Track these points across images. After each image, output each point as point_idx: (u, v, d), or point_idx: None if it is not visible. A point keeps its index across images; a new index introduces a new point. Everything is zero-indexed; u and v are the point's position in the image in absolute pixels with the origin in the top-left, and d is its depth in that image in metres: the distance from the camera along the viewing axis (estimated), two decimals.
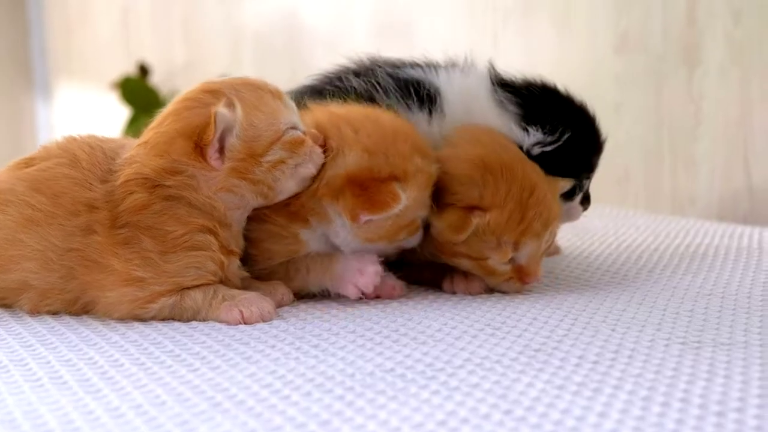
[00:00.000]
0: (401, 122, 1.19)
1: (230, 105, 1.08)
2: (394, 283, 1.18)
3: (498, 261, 1.16)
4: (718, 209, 1.91)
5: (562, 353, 0.89)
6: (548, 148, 1.22)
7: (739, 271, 1.25)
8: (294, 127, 1.12)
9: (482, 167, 1.16)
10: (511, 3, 2.34)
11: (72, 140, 1.17)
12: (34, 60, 4.73)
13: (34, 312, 1.14)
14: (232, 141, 1.08)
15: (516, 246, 1.15)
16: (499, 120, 1.23)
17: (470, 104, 1.23)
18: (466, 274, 1.20)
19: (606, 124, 2.09)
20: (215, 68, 3.40)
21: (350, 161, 1.13)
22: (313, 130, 1.14)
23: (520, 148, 1.21)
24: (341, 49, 3.01)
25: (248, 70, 3.27)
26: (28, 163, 1.16)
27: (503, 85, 1.26)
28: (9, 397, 0.83)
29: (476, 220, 1.14)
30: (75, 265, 1.09)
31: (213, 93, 1.10)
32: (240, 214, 1.12)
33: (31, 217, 1.10)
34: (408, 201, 1.12)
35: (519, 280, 1.17)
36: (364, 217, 1.11)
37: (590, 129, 1.30)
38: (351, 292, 1.14)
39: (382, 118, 1.18)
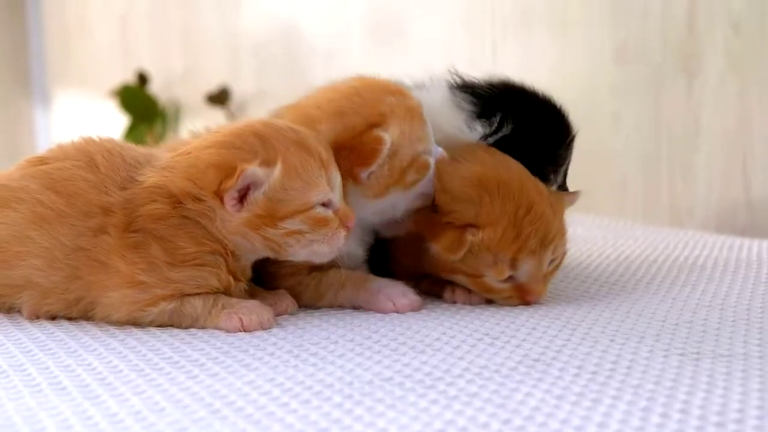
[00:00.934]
0: (360, 80, 1.20)
1: (270, 163, 1.06)
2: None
3: (494, 278, 1.16)
4: (717, 220, 1.91)
5: (560, 363, 0.89)
6: (490, 140, 1.23)
7: (738, 283, 1.25)
8: (326, 204, 1.09)
9: (478, 185, 1.16)
10: (509, 12, 2.35)
11: (90, 142, 1.17)
12: (33, 68, 4.74)
13: (33, 313, 1.14)
14: (257, 195, 1.06)
15: (513, 264, 1.15)
16: (454, 121, 1.24)
17: (431, 116, 1.22)
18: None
19: (604, 134, 2.10)
20: (214, 77, 3.41)
21: (327, 133, 1.14)
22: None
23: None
24: (339, 59, 3.03)
25: (247, 79, 3.28)
26: (42, 161, 1.16)
27: (463, 88, 1.27)
28: (8, 402, 0.83)
29: (470, 237, 1.14)
30: (81, 264, 1.09)
31: (263, 142, 1.07)
32: (250, 255, 1.12)
33: (42, 215, 1.11)
34: (394, 137, 1.14)
35: (519, 299, 1.17)
36: (363, 173, 1.13)
37: (551, 122, 1.28)
38: (387, 307, 1.15)
39: (339, 85, 1.20)
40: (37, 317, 1.15)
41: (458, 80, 1.28)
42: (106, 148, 1.15)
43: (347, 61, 2.80)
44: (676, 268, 1.38)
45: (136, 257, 1.07)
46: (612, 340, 0.97)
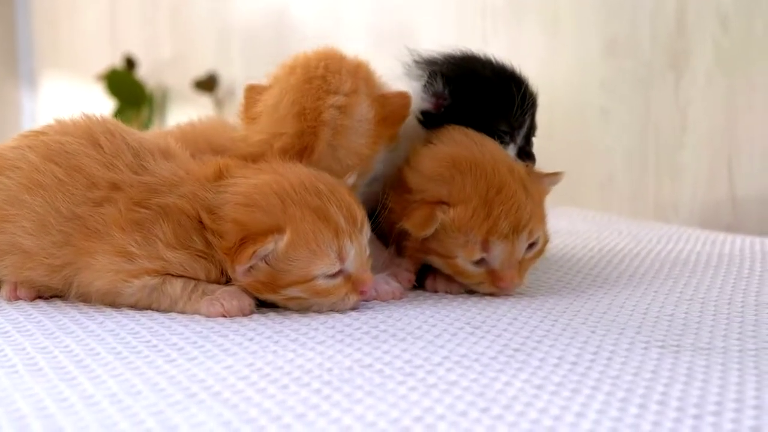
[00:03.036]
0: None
1: (282, 231, 1.04)
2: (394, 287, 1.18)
3: (465, 259, 1.15)
4: (701, 217, 1.91)
5: (541, 353, 0.89)
6: (445, 104, 1.25)
7: (720, 278, 1.25)
8: (334, 275, 1.07)
9: (451, 164, 1.16)
10: (500, 6, 2.35)
11: (89, 120, 1.17)
12: (20, 51, 4.71)
13: (13, 289, 1.15)
14: (260, 264, 1.05)
15: (485, 246, 1.14)
16: (411, 92, 1.24)
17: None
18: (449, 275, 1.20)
19: (592, 129, 2.10)
20: (202, 63, 3.40)
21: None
22: None
23: (427, 112, 1.25)
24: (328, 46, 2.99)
25: (236, 65, 3.27)
26: (39, 135, 1.16)
27: (419, 63, 1.29)
28: None
29: (441, 215, 1.14)
30: (74, 232, 1.08)
31: (283, 202, 1.06)
32: None
33: (38, 181, 1.10)
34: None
35: (492, 284, 1.16)
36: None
37: (503, 86, 1.28)
38: (369, 294, 1.13)
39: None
40: (17, 297, 1.14)
41: (416, 56, 1.30)
42: (108, 128, 1.15)
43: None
44: (658, 261, 1.38)
45: (135, 231, 1.07)
46: (593, 332, 0.97)
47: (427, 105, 1.26)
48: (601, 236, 1.64)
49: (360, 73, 1.20)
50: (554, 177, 1.23)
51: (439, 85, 1.25)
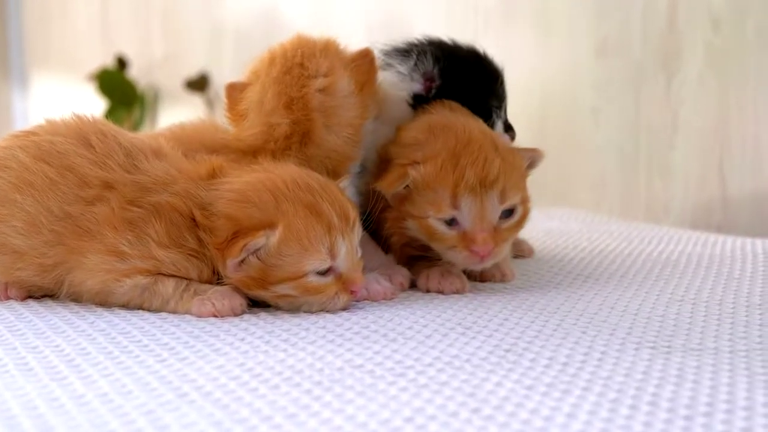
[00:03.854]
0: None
1: (274, 226, 1.04)
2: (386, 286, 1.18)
3: (436, 218, 1.16)
4: (692, 218, 1.91)
5: (532, 354, 0.89)
6: (436, 84, 1.27)
7: (711, 279, 1.25)
8: (325, 272, 1.07)
9: (427, 130, 1.20)
10: (491, 6, 2.35)
11: (80, 120, 1.16)
12: (11, 50, 4.69)
13: (3, 288, 1.15)
14: (252, 259, 1.05)
15: (454, 201, 1.15)
16: (393, 80, 1.28)
17: None
18: (442, 273, 1.20)
19: (584, 129, 2.10)
20: (194, 63, 3.39)
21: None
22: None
23: (420, 96, 1.27)
24: None
25: (227, 65, 3.26)
26: (30, 135, 1.15)
27: (389, 52, 1.31)
28: None
29: (412, 172, 1.16)
30: (66, 231, 1.08)
31: (276, 198, 1.06)
32: None
33: (29, 181, 1.10)
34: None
35: (465, 248, 1.16)
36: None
37: (482, 63, 1.33)
38: (361, 294, 1.13)
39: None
40: (8, 297, 1.14)
41: (384, 47, 1.32)
42: (99, 129, 1.14)
43: None
44: (650, 262, 1.39)
45: (127, 230, 1.07)
46: (584, 332, 0.97)
47: (417, 87, 1.27)
48: (592, 237, 1.64)
49: (331, 50, 1.22)
50: (532, 152, 1.24)
51: (429, 65, 1.27)
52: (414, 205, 1.18)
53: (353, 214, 1.10)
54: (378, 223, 1.21)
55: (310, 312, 1.08)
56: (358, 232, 1.10)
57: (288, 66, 1.19)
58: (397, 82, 1.28)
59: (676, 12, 1.92)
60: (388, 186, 1.17)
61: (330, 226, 1.06)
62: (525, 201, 1.21)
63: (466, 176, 1.15)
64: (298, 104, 1.18)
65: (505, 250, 1.21)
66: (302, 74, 1.19)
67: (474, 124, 1.22)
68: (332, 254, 1.06)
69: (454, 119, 1.21)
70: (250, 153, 1.18)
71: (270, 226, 1.04)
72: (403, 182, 1.16)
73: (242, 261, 1.05)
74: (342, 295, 1.08)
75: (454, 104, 1.26)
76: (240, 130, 1.21)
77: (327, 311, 1.08)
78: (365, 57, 1.23)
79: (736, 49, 1.82)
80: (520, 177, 1.21)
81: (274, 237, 1.04)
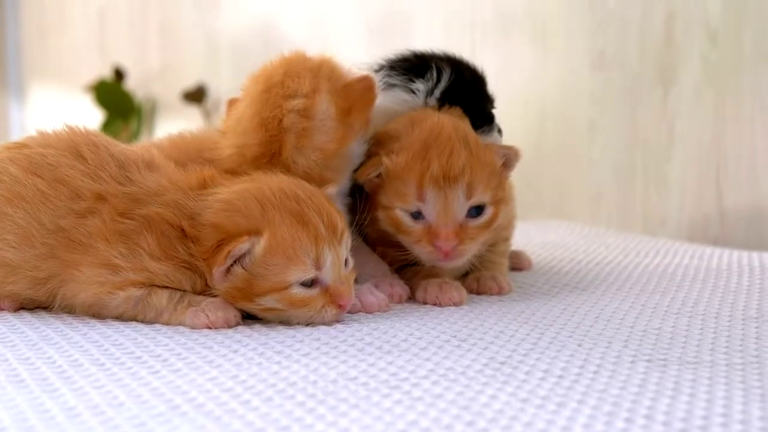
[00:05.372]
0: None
1: (258, 234, 1.04)
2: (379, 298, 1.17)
3: (402, 209, 1.17)
4: (689, 231, 1.91)
5: (527, 367, 0.88)
6: (437, 91, 1.28)
7: (707, 292, 1.25)
8: (310, 284, 1.05)
9: (408, 123, 1.21)
10: (488, 20, 2.35)
11: (72, 132, 1.15)
12: (9, 61, 4.70)
13: None
14: (236, 269, 1.04)
15: (419, 194, 1.16)
16: (393, 97, 1.29)
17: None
18: (440, 285, 1.20)
19: (580, 142, 2.10)
20: (191, 74, 3.39)
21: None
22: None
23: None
24: None
25: (224, 76, 3.26)
26: (21, 147, 1.15)
27: (382, 68, 1.31)
28: None
29: (386, 160, 1.17)
30: (58, 244, 1.08)
31: (262, 207, 1.05)
32: None
33: (21, 194, 1.09)
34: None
35: (429, 242, 1.17)
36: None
37: (472, 70, 1.34)
38: (355, 307, 1.13)
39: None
40: (0, 308, 1.14)
41: (372, 66, 1.32)
42: (92, 141, 1.14)
43: None
44: (646, 275, 1.38)
45: (120, 242, 1.06)
46: (579, 345, 0.97)
47: (432, 103, 1.28)
48: (588, 249, 1.63)
49: (322, 71, 1.20)
50: (506, 149, 1.24)
51: (444, 84, 1.28)
52: (384, 194, 1.19)
53: (341, 224, 1.09)
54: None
55: (300, 325, 1.07)
56: (346, 244, 1.09)
57: (268, 85, 1.18)
58: (399, 96, 1.28)
59: (673, 25, 1.92)
60: (362, 173, 1.19)
61: (316, 236, 1.05)
62: (497, 201, 1.20)
63: (431, 167, 1.15)
64: (270, 124, 1.16)
65: (472, 249, 1.20)
66: (280, 93, 1.17)
67: (451, 120, 1.22)
68: (317, 264, 1.05)
69: (433, 115, 1.23)
70: (228, 173, 1.16)
71: (255, 233, 1.04)
72: (376, 170, 1.18)
73: (228, 271, 1.04)
74: (329, 308, 1.06)
75: (455, 110, 1.27)
76: (222, 147, 1.20)
77: (315, 324, 1.07)
78: (362, 82, 1.21)
79: (732, 62, 1.82)
80: (491, 174, 1.20)
81: (259, 245, 1.03)
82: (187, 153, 1.22)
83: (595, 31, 2.09)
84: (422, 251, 1.18)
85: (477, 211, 1.18)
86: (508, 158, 1.23)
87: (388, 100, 1.27)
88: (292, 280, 1.04)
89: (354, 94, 1.20)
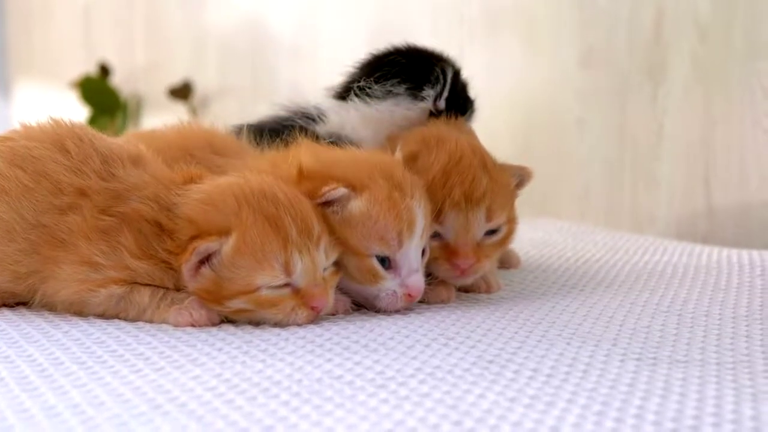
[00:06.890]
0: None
1: (227, 234, 1.01)
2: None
3: None
4: (677, 228, 1.90)
5: (515, 365, 0.87)
6: (445, 93, 1.28)
7: (696, 290, 1.24)
8: (281, 286, 1.02)
9: (421, 141, 1.20)
10: (476, 17, 2.34)
11: (57, 125, 1.14)
12: None
13: None
14: (205, 270, 1.02)
15: (439, 217, 1.15)
16: (398, 109, 1.29)
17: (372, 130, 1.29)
18: (429, 284, 1.18)
19: (569, 140, 2.10)
20: (177, 71, 3.37)
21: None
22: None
23: (434, 113, 1.28)
24: (305, 56, 3.00)
25: (211, 73, 3.25)
26: (5, 140, 1.13)
27: (374, 83, 1.30)
28: None
29: None
30: (40, 240, 1.06)
31: (238, 204, 1.02)
32: None
33: (4, 187, 1.08)
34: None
35: (447, 261, 1.16)
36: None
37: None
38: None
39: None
40: None
41: (357, 85, 1.31)
42: (76, 134, 1.12)
43: (312, 58, 2.78)
44: (635, 273, 1.37)
45: (101, 240, 1.04)
46: (568, 343, 0.96)
47: (442, 105, 1.29)
48: (577, 247, 1.62)
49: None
50: (521, 170, 1.24)
51: (448, 88, 1.29)
52: None
53: (317, 229, 1.05)
54: None
55: (273, 325, 1.04)
56: (324, 248, 1.06)
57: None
58: (405, 105, 1.29)
59: (662, 22, 1.91)
60: None
61: (286, 240, 1.02)
62: (511, 220, 1.22)
63: (454, 195, 1.15)
64: None
65: (487, 266, 1.20)
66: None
67: (466, 140, 1.22)
68: (287, 270, 1.02)
69: (446, 132, 1.22)
70: None
71: (225, 233, 1.02)
72: None
73: (197, 271, 1.02)
74: (300, 310, 1.04)
75: (460, 122, 1.29)
76: None
77: (286, 326, 1.04)
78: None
79: (722, 59, 1.81)
80: (508, 196, 1.22)
81: (228, 245, 1.01)
82: (196, 142, 1.21)
83: (584, 28, 2.09)
84: (438, 268, 1.17)
85: (493, 230, 1.19)
86: (522, 178, 1.25)
87: (388, 116, 1.28)
88: (260, 283, 1.02)
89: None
